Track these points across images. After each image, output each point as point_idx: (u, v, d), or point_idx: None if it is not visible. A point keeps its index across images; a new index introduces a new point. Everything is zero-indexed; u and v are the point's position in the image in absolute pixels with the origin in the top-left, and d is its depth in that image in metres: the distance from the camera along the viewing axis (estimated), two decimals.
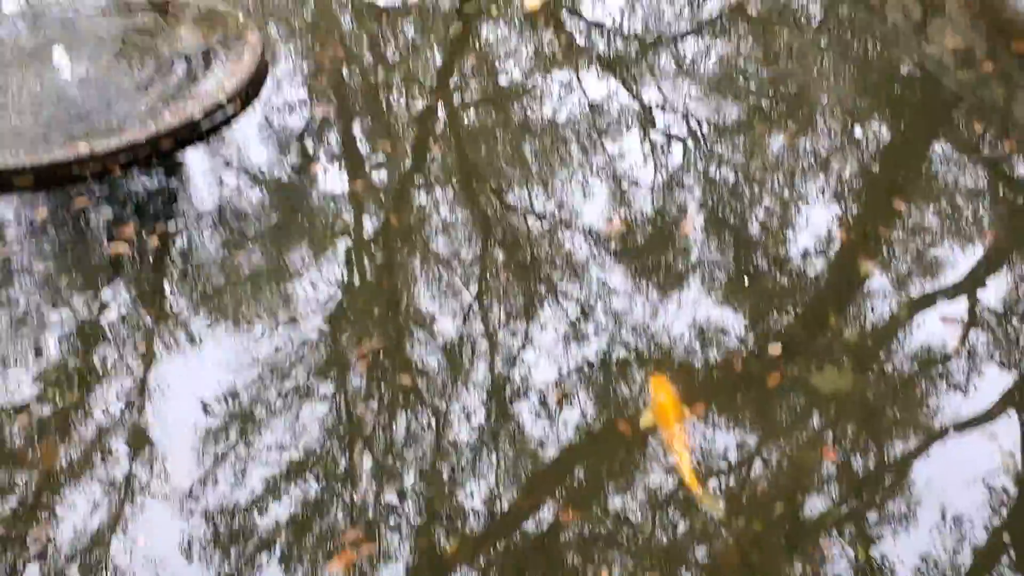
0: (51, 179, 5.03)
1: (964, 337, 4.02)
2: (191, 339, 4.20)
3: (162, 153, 5.21)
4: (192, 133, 5.31)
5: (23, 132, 5.30)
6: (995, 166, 5.00)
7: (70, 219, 4.88)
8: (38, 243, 4.77)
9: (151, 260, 4.61)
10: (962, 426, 3.65)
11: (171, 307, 4.36)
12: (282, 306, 4.32)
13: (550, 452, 3.64)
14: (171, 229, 4.78)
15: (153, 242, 4.68)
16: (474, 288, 4.41)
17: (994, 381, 3.82)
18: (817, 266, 4.40)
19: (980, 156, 5.08)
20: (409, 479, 3.55)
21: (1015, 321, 4.07)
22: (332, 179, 5.17)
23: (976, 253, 4.44)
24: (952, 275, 4.34)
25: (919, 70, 5.89)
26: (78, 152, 5.02)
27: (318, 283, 4.44)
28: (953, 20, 6.26)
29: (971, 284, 4.31)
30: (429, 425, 3.77)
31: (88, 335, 4.24)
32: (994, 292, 4.24)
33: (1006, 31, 5.95)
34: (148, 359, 4.12)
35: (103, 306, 4.40)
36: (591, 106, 5.62)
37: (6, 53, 6.07)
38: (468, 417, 3.78)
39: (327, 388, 3.95)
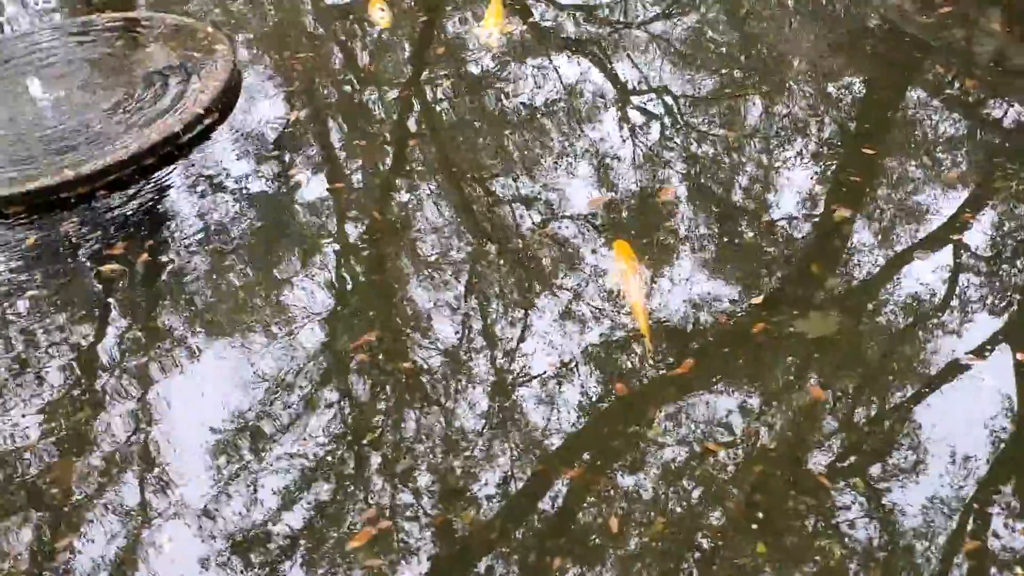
0: (39, 205, 5.11)
1: (951, 279, 4.12)
2: (189, 351, 4.27)
3: (145, 171, 5.29)
4: (174, 148, 5.39)
5: (6, 162, 5.38)
6: (962, 106, 5.10)
7: (59, 243, 4.95)
8: (30, 269, 4.84)
9: (142, 277, 4.69)
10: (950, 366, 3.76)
11: (166, 320, 4.43)
12: (275, 310, 4.39)
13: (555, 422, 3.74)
14: (159, 245, 4.85)
15: (143, 259, 4.75)
16: (464, 279, 4.48)
17: (981, 320, 3.93)
18: (798, 219, 4.49)
19: (947, 97, 5.18)
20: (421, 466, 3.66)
21: (993, 251, 4.19)
22: (312, 182, 5.23)
23: (952, 194, 4.54)
24: (928, 215, 4.44)
25: (882, 21, 5.99)
26: (64, 177, 5.10)
27: (307, 286, 4.51)
28: None
29: (947, 221, 4.42)
30: (437, 408, 3.87)
31: (86, 354, 4.31)
32: (975, 229, 4.36)
33: None
34: (148, 375, 4.19)
35: (98, 325, 4.47)
36: (566, 89, 5.71)
37: None
38: (470, 407, 3.85)
39: (327, 385, 4.04)
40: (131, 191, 5.21)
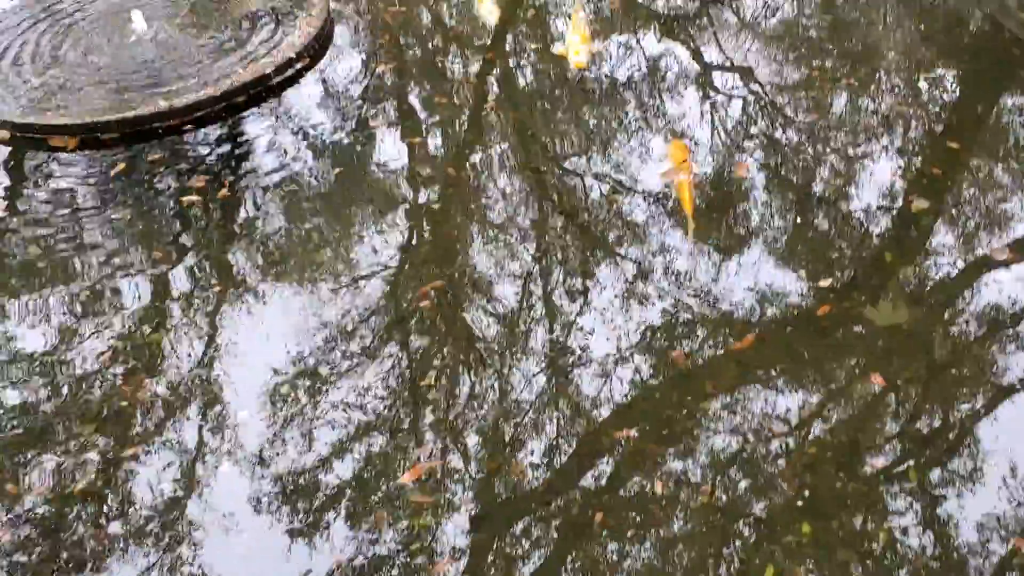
0: (130, 134, 5.28)
1: None
2: (259, 279, 4.41)
3: (235, 108, 5.42)
4: (264, 90, 5.51)
5: (104, 91, 5.55)
6: None
7: (146, 171, 5.11)
8: (114, 194, 5.00)
9: (219, 212, 4.82)
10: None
11: (236, 257, 4.56)
12: (343, 258, 4.50)
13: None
14: (239, 182, 4.98)
15: (222, 194, 4.89)
16: (531, 246, 4.50)
17: None
18: (875, 207, 4.46)
19: None
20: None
21: None
22: (390, 135, 5.31)
23: None
24: (1010, 216, 4.36)
25: (982, 16, 5.86)
26: (158, 107, 5.26)
27: (375, 238, 4.59)
28: None
29: None
30: (492, 373, 3.94)
31: (162, 278, 4.46)
32: None
33: None
34: (218, 303, 4.33)
35: (176, 250, 4.62)
36: (650, 66, 5.69)
37: (84, 17, 6.32)
38: (526, 379, 3.88)
39: (389, 333, 4.13)
40: (219, 128, 5.35)
